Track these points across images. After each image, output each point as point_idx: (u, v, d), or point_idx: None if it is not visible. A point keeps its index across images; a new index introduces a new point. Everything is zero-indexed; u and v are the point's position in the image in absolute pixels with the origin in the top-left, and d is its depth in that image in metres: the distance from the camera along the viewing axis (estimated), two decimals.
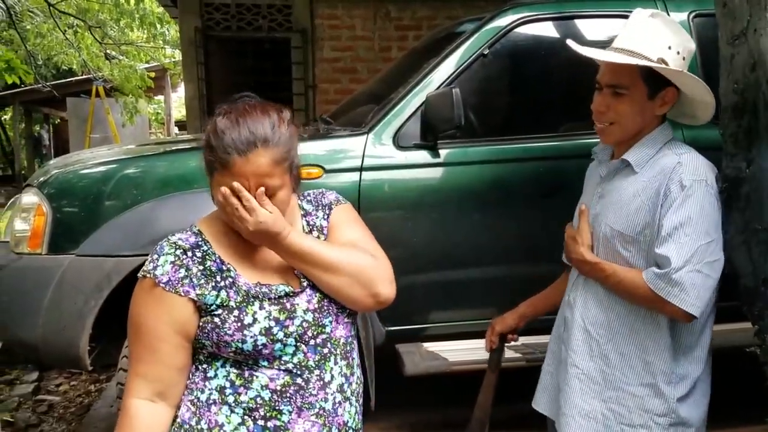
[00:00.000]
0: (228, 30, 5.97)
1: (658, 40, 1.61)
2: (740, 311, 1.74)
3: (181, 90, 11.93)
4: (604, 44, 1.73)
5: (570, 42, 1.75)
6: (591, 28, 2.90)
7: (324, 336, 1.31)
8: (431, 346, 2.75)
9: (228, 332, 1.24)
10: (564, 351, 1.78)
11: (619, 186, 1.69)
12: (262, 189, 1.22)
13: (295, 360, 1.28)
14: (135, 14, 9.68)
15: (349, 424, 1.34)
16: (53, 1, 8.74)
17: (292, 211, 1.39)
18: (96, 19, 10.22)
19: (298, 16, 5.95)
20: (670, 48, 1.61)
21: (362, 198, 2.59)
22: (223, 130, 1.22)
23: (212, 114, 1.28)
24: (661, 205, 1.57)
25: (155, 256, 1.27)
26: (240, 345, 1.24)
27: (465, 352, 2.68)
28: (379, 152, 2.64)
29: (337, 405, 1.32)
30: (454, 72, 2.69)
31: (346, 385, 1.35)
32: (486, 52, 2.72)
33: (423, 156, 2.66)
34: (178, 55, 12.79)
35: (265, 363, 1.27)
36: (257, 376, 1.27)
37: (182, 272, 1.25)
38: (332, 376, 1.32)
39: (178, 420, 1.29)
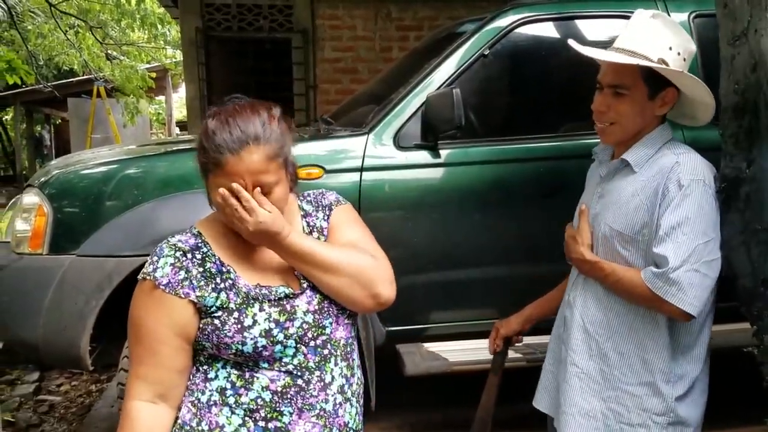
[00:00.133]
0: (229, 30, 5.98)
1: (659, 41, 1.61)
2: (739, 312, 1.74)
3: (182, 90, 11.95)
4: (605, 45, 1.74)
5: (571, 42, 1.75)
6: (591, 28, 2.90)
7: (324, 337, 1.31)
8: (432, 347, 2.75)
9: (228, 334, 1.24)
10: (564, 350, 1.78)
11: (619, 186, 1.70)
12: (258, 189, 1.23)
13: (296, 361, 1.28)
14: (136, 15, 9.68)
15: (349, 425, 1.35)
16: (54, 1, 8.75)
17: (292, 212, 1.39)
18: (97, 20, 10.23)
19: (299, 17, 5.95)
20: (670, 49, 1.61)
21: (363, 198, 2.59)
22: (213, 130, 1.22)
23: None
24: (659, 204, 1.58)
25: (155, 258, 1.27)
26: (240, 347, 1.24)
27: (465, 352, 2.68)
28: (379, 152, 2.64)
29: (338, 406, 1.32)
30: (454, 72, 2.69)
31: (346, 386, 1.35)
32: (486, 52, 2.72)
33: (423, 156, 2.66)
34: (179, 56, 12.81)
35: (266, 365, 1.27)
36: (258, 378, 1.27)
37: (182, 274, 1.25)
38: (333, 377, 1.32)
39: (179, 421, 1.29)
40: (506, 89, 3.05)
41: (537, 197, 2.71)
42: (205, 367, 1.30)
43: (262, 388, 1.27)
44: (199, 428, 1.27)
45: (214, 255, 1.29)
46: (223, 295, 1.25)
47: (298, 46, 5.96)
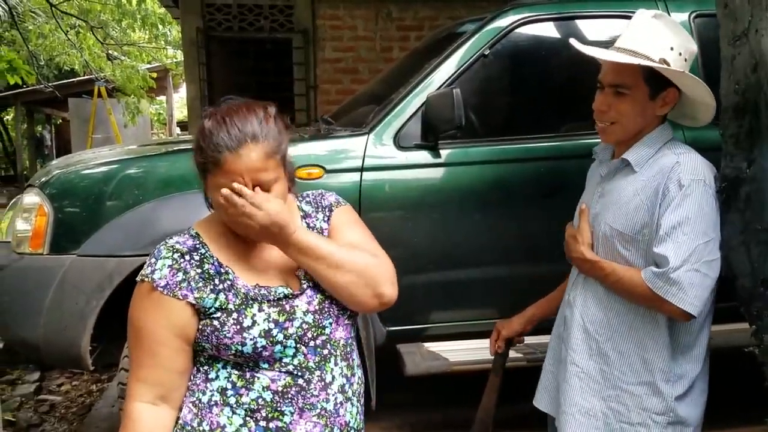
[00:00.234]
0: (229, 30, 5.98)
1: (661, 41, 1.62)
2: (738, 312, 1.74)
3: (183, 90, 11.95)
4: (605, 45, 1.74)
5: (573, 41, 1.75)
6: (592, 28, 2.91)
7: (324, 337, 1.31)
8: (432, 346, 2.75)
9: (227, 335, 1.24)
10: (564, 349, 1.78)
11: (619, 185, 1.70)
12: (258, 188, 1.22)
13: (296, 362, 1.28)
14: (137, 15, 9.68)
15: (350, 425, 1.35)
16: (55, 1, 8.76)
17: (291, 212, 1.39)
18: (98, 20, 10.24)
19: (300, 17, 5.95)
20: (672, 49, 1.62)
21: (363, 198, 2.59)
22: (210, 130, 1.22)
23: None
24: (659, 204, 1.58)
25: (153, 260, 1.27)
26: (240, 348, 1.24)
27: (466, 352, 2.68)
28: (379, 152, 2.64)
29: (339, 405, 1.32)
30: (454, 72, 2.69)
31: (347, 386, 1.35)
32: (487, 52, 2.72)
33: (424, 156, 2.66)
34: (179, 56, 12.82)
35: (266, 365, 1.27)
36: (258, 378, 1.27)
37: (180, 276, 1.25)
38: (333, 377, 1.32)
39: (180, 421, 1.29)
40: (506, 89, 3.05)
41: (537, 197, 2.71)
42: (206, 367, 1.30)
43: (263, 388, 1.26)
44: (201, 428, 1.27)
45: (213, 256, 1.29)
46: (221, 296, 1.25)
47: (299, 46, 5.96)
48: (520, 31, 2.79)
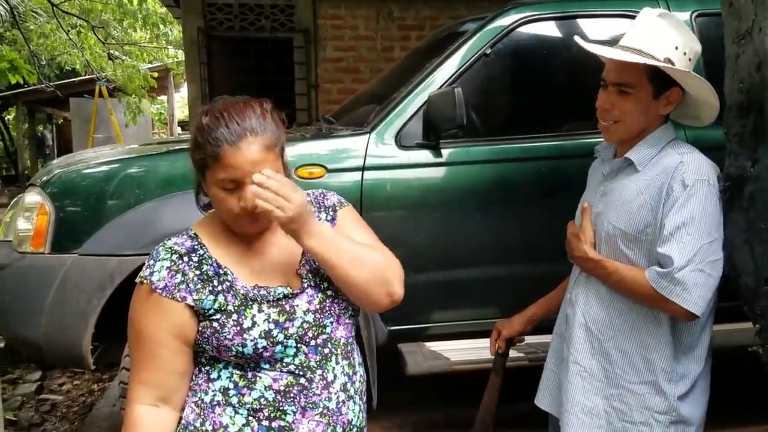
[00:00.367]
0: (231, 30, 5.98)
1: (666, 40, 1.61)
2: (740, 311, 1.74)
3: (184, 90, 11.96)
4: (607, 43, 1.74)
5: (577, 38, 1.75)
6: (593, 27, 2.90)
7: (324, 336, 1.31)
8: (433, 346, 2.76)
9: (228, 337, 1.23)
10: (565, 348, 1.78)
11: (622, 184, 1.69)
12: (267, 170, 1.21)
13: (297, 361, 1.28)
14: (138, 14, 9.69)
15: (353, 423, 1.34)
16: (56, 1, 8.77)
17: None
18: (99, 20, 10.25)
19: (301, 16, 5.95)
20: (677, 48, 1.61)
21: (364, 197, 2.59)
22: (209, 125, 1.23)
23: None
24: (663, 204, 1.58)
25: (151, 262, 1.26)
26: (240, 349, 1.23)
27: (467, 351, 2.68)
28: (381, 152, 2.64)
29: (341, 404, 1.32)
30: (456, 71, 2.69)
31: (349, 384, 1.34)
32: (488, 51, 2.72)
33: (425, 155, 2.66)
34: (181, 56, 12.82)
35: (267, 365, 1.27)
36: (260, 377, 1.27)
37: (179, 277, 1.24)
38: (335, 376, 1.32)
39: (183, 422, 1.28)
40: (508, 88, 3.05)
41: (538, 197, 2.70)
42: (207, 367, 1.30)
43: (265, 387, 1.26)
44: (203, 428, 1.26)
45: (211, 257, 1.28)
46: (220, 298, 1.25)
47: (300, 45, 5.96)
48: (521, 31, 2.79)
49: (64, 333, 2.45)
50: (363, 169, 2.61)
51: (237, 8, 5.92)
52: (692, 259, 1.52)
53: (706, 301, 1.54)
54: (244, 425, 1.26)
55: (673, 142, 1.68)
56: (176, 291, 1.23)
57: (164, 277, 1.24)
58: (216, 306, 1.24)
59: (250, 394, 1.26)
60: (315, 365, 1.29)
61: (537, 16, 2.81)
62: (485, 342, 2.14)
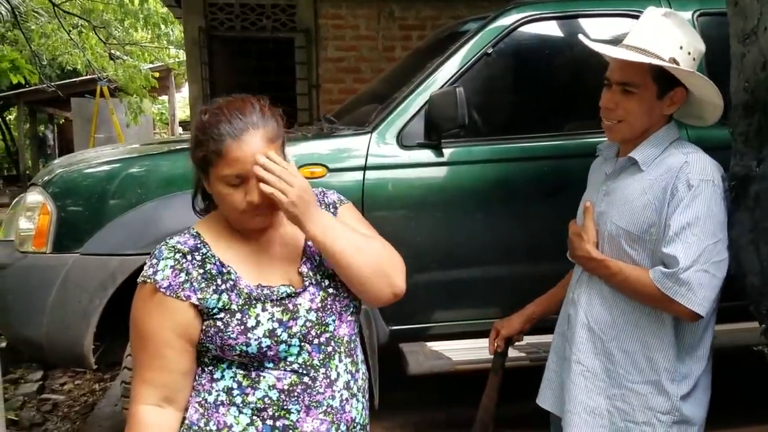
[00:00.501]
0: (232, 30, 5.98)
1: (670, 40, 1.60)
2: (745, 311, 1.74)
3: (186, 90, 11.97)
4: (609, 43, 1.73)
5: (582, 37, 1.74)
6: (594, 27, 2.90)
7: (327, 335, 1.31)
8: (435, 346, 2.75)
9: (232, 336, 1.23)
10: (568, 348, 1.78)
11: (625, 184, 1.69)
12: (271, 152, 1.22)
13: (300, 360, 1.28)
14: (139, 14, 9.70)
15: (356, 420, 1.34)
16: (58, 1, 8.77)
17: None
18: (100, 20, 10.26)
19: (302, 16, 5.95)
20: (681, 48, 1.60)
21: (366, 197, 2.59)
22: (210, 122, 1.23)
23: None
24: (667, 204, 1.57)
25: (154, 261, 1.26)
26: (244, 348, 1.23)
27: (469, 351, 2.67)
28: (382, 151, 2.64)
29: (345, 402, 1.32)
30: (457, 71, 2.69)
31: (352, 382, 1.34)
32: (490, 51, 2.72)
33: (427, 155, 2.66)
34: (182, 55, 12.82)
35: (271, 364, 1.26)
36: (264, 377, 1.26)
37: (182, 276, 1.24)
38: (338, 374, 1.32)
39: (187, 422, 1.28)
40: (509, 88, 3.05)
41: (540, 196, 2.70)
42: (211, 367, 1.29)
43: (269, 386, 1.26)
44: (207, 428, 1.26)
45: (214, 256, 1.28)
46: (224, 297, 1.25)
47: (301, 45, 5.96)
48: (522, 30, 2.78)
49: (66, 332, 2.45)
50: (364, 168, 2.61)
51: (238, 8, 5.92)
52: (697, 259, 1.52)
53: (710, 302, 1.54)
54: (248, 425, 1.25)
55: (676, 141, 1.67)
56: (180, 290, 1.23)
57: (168, 276, 1.23)
58: (220, 305, 1.24)
59: (254, 394, 1.26)
60: (318, 364, 1.29)
61: (538, 16, 2.81)
62: (487, 342, 2.13)
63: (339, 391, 1.31)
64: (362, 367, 1.40)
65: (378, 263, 1.31)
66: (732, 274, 1.59)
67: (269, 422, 1.26)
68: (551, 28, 2.90)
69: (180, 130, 15.14)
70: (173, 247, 1.27)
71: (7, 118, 17.80)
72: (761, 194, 1.61)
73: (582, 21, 2.90)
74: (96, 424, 3.36)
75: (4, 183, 15.79)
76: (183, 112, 17.73)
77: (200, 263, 1.26)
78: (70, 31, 9.93)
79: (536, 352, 2.64)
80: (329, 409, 1.29)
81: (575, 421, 1.71)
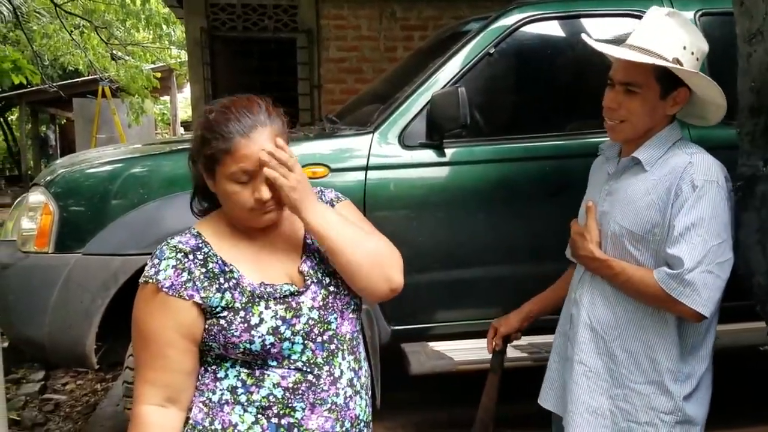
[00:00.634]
0: (234, 30, 5.98)
1: (674, 40, 1.60)
2: (749, 311, 1.74)
3: (187, 90, 11.98)
4: (611, 43, 1.73)
5: (585, 37, 1.74)
6: (597, 27, 2.90)
7: (330, 332, 1.31)
8: (437, 346, 2.75)
9: (235, 334, 1.23)
10: (570, 348, 1.78)
11: (628, 184, 1.68)
12: (279, 139, 1.25)
13: (304, 358, 1.28)
14: (141, 15, 9.71)
15: (360, 417, 1.35)
16: (59, 1, 8.79)
17: None
18: (102, 20, 10.28)
19: (304, 17, 5.95)
20: (684, 48, 1.60)
21: (368, 197, 2.59)
22: (218, 120, 1.24)
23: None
24: (672, 204, 1.57)
25: (156, 261, 1.26)
26: (248, 346, 1.23)
27: (471, 351, 2.67)
28: (384, 151, 2.64)
29: (348, 399, 1.32)
30: (459, 71, 2.68)
31: (355, 379, 1.35)
32: (492, 51, 2.71)
33: (429, 155, 2.66)
34: (183, 56, 12.84)
35: (274, 363, 1.27)
36: (268, 375, 1.26)
37: (185, 276, 1.24)
38: (342, 371, 1.32)
39: (191, 421, 1.28)
40: (511, 88, 3.05)
41: (542, 196, 2.70)
42: (214, 367, 1.30)
43: (274, 385, 1.26)
44: (212, 427, 1.26)
45: (216, 255, 1.28)
46: (227, 295, 1.25)
47: (303, 45, 5.96)
48: (525, 30, 2.78)
49: (68, 332, 2.45)
50: (366, 168, 2.61)
51: (240, 8, 5.93)
52: (702, 260, 1.51)
53: (714, 302, 1.54)
54: (253, 423, 1.26)
55: (680, 141, 1.67)
56: (183, 289, 1.23)
57: (170, 276, 1.23)
58: (223, 303, 1.24)
59: (258, 392, 1.26)
60: (322, 361, 1.29)
61: (540, 16, 2.80)
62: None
63: (343, 389, 1.31)
64: (365, 365, 1.41)
65: (375, 257, 1.32)
66: (739, 274, 1.59)
67: (274, 420, 1.26)
68: (553, 28, 2.90)
69: (182, 130, 15.15)
70: (175, 246, 1.27)
71: (9, 119, 17.82)
72: None
73: (584, 21, 2.90)
74: (98, 424, 3.36)
75: (6, 183, 15.81)
76: (185, 112, 17.74)
77: (202, 262, 1.26)
78: (71, 31, 9.94)
79: (538, 352, 2.64)
80: (333, 407, 1.29)
81: (577, 422, 1.71)
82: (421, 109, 2.64)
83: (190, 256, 1.26)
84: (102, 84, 11.05)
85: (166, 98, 16.37)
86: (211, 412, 1.27)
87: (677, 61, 1.59)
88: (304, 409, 1.26)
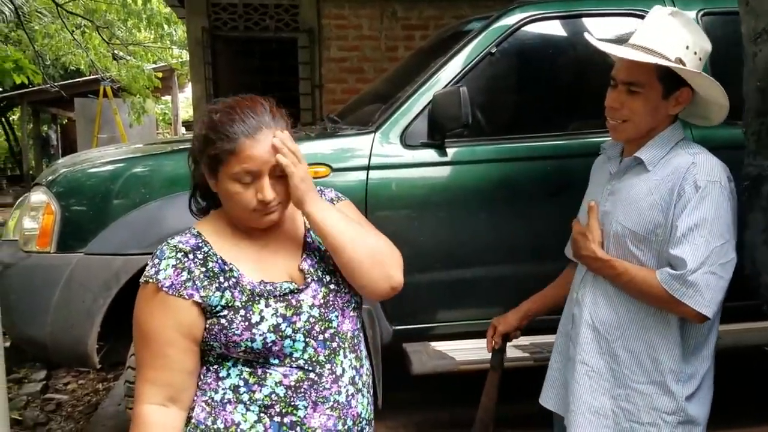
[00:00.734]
0: (235, 30, 5.98)
1: (677, 40, 1.59)
2: (753, 311, 1.73)
3: (189, 90, 11.98)
4: (613, 42, 1.72)
5: (588, 36, 1.74)
6: (598, 26, 2.89)
7: (332, 330, 1.32)
8: (438, 345, 2.75)
9: (236, 332, 1.23)
10: (572, 348, 1.77)
11: (631, 184, 1.68)
12: (287, 133, 1.27)
13: (306, 356, 1.28)
14: (142, 14, 9.72)
15: (362, 415, 1.35)
16: (61, 1, 8.79)
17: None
18: (103, 20, 10.29)
19: (305, 16, 5.95)
20: (687, 48, 1.59)
21: (369, 197, 2.59)
22: (223, 121, 1.24)
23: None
24: (674, 205, 1.57)
25: (156, 261, 1.26)
26: (249, 344, 1.24)
27: (472, 351, 2.67)
28: (386, 151, 2.64)
29: (350, 397, 1.32)
30: (461, 71, 2.68)
31: (357, 377, 1.35)
32: (493, 50, 2.71)
33: (430, 155, 2.66)
34: (185, 56, 12.85)
35: (276, 361, 1.27)
36: (270, 373, 1.27)
37: (185, 275, 1.24)
38: (343, 369, 1.32)
39: (193, 421, 1.28)
40: (513, 87, 3.04)
41: (544, 196, 2.70)
42: (216, 366, 1.30)
43: (276, 383, 1.26)
44: (215, 427, 1.26)
45: (216, 254, 1.29)
46: (227, 294, 1.25)
47: (304, 45, 5.96)
48: (526, 29, 2.78)
49: (70, 332, 2.45)
50: (368, 168, 2.61)
51: (241, 8, 5.93)
52: (705, 261, 1.51)
53: (717, 303, 1.54)
54: (256, 422, 1.26)
55: (682, 141, 1.67)
56: (183, 289, 1.23)
57: (170, 276, 1.24)
58: (223, 302, 1.24)
59: (260, 391, 1.26)
60: (324, 359, 1.30)
61: (542, 15, 2.80)
62: None
63: (345, 387, 1.32)
64: (366, 363, 1.41)
65: (376, 255, 1.33)
66: (745, 273, 1.58)
67: (277, 419, 1.26)
68: (555, 28, 2.89)
69: (183, 130, 15.17)
70: (175, 246, 1.28)
71: (10, 118, 17.84)
72: None
73: (585, 20, 2.89)
74: (99, 423, 3.36)
75: (7, 183, 15.84)
76: (186, 112, 17.75)
77: (202, 261, 1.27)
78: (73, 31, 9.95)
79: (540, 352, 2.64)
80: (336, 405, 1.29)
81: (579, 422, 1.70)
82: (423, 109, 2.64)
83: (190, 256, 1.26)
84: (103, 84, 11.06)
85: (168, 98, 16.37)
86: (213, 412, 1.27)
87: (680, 60, 1.58)
88: (306, 408, 1.27)
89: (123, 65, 10.48)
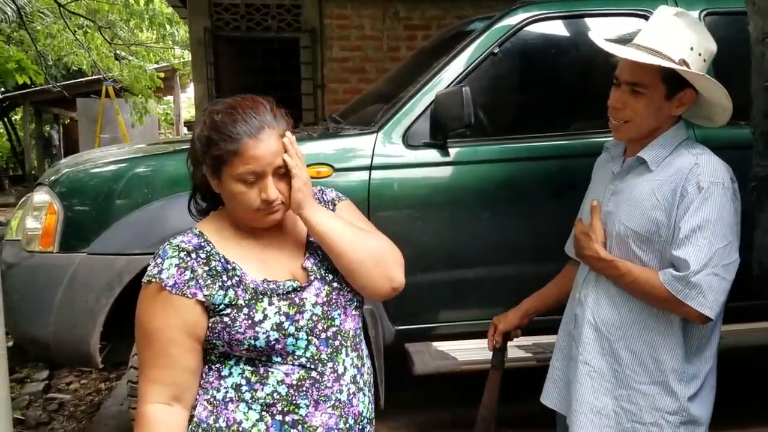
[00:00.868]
0: (237, 30, 5.98)
1: (681, 41, 1.59)
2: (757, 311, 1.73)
3: (191, 90, 12.01)
4: (615, 42, 1.72)
5: (592, 36, 1.73)
6: (601, 26, 2.89)
7: (334, 329, 1.32)
8: (441, 346, 2.75)
9: (239, 330, 1.23)
10: (574, 348, 1.77)
11: (633, 184, 1.68)
12: (290, 135, 1.28)
13: (308, 354, 1.28)
14: (144, 15, 9.73)
15: (363, 414, 1.35)
16: (63, 1, 8.80)
17: None
18: (106, 20, 10.30)
19: (307, 16, 5.95)
20: (692, 49, 1.59)
21: (372, 197, 2.59)
22: (225, 121, 1.24)
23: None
24: (677, 206, 1.57)
25: (159, 260, 1.26)
26: (253, 342, 1.24)
27: (474, 351, 2.67)
28: (388, 151, 2.63)
29: (352, 396, 1.33)
30: (464, 71, 2.68)
31: (358, 376, 1.35)
32: (496, 50, 2.71)
33: (432, 155, 2.66)
34: (187, 56, 12.86)
35: (279, 359, 1.27)
36: (272, 372, 1.27)
37: (188, 274, 1.24)
38: (345, 368, 1.33)
39: (195, 419, 1.28)
40: (516, 87, 3.04)
41: (546, 196, 2.69)
42: (218, 365, 1.30)
43: (278, 382, 1.27)
44: (217, 425, 1.26)
45: (218, 253, 1.29)
46: (231, 293, 1.25)
47: (306, 45, 5.96)
48: (529, 29, 2.78)
49: (72, 332, 2.45)
50: (370, 168, 2.61)
51: (243, 8, 5.93)
52: (708, 263, 1.51)
53: (720, 304, 1.54)
54: (257, 420, 1.26)
55: (685, 142, 1.66)
56: (186, 288, 1.23)
57: (173, 275, 1.24)
58: (226, 301, 1.25)
59: (262, 389, 1.27)
60: (326, 358, 1.30)
61: (544, 15, 2.80)
62: None
63: (346, 385, 1.32)
64: (367, 362, 1.41)
65: (375, 255, 1.33)
66: (755, 273, 1.58)
67: (278, 417, 1.26)
68: (557, 28, 2.89)
69: (185, 130, 15.18)
70: (177, 245, 1.28)
71: (13, 119, 17.86)
72: None
73: (588, 20, 2.89)
74: (102, 423, 3.37)
75: (9, 183, 15.87)
76: (188, 112, 17.77)
77: (205, 260, 1.27)
78: (75, 31, 9.96)
79: (542, 352, 2.63)
80: (337, 403, 1.30)
81: (582, 421, 1.70)
82: (425, 109, 2.64)
83: (193, 255, 1.27)
84: (105, 84, 11.07)
85: (170, 98, 16.38)
86: (215, 410, 1.28)
87: (684, 62, 1.57)
88: (308, 406, 1.27)
89: (125, 65, 10.49)
